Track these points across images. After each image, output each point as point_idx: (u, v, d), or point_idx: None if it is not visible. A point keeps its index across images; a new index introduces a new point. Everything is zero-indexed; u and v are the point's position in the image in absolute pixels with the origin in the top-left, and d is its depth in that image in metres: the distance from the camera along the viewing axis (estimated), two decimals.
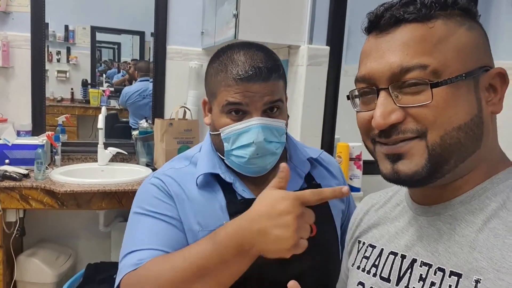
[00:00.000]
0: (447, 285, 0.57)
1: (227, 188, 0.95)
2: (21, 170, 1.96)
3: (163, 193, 0.93)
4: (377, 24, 0.60)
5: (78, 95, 2.66)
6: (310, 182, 1.03)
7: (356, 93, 0.63)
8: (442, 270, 0.58)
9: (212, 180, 0.96)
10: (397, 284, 0.63)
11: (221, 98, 0.91)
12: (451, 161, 0.58)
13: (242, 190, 0.95)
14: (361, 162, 1.77)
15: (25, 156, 2.04)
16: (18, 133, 2.21)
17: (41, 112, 2.32)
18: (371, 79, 0.60)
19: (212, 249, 0.72)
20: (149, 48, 2.56)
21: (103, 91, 2.70)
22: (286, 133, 1.03)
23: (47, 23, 2.32)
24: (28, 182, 1.90)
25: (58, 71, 2.58)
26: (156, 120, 2.24)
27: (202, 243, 0.75)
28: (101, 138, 2.20)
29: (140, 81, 2.66)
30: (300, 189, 0.99)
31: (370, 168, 1.74)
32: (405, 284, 0.62)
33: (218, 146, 0.97)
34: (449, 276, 0.57)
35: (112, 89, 2.72)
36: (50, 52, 2.50)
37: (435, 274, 0.59)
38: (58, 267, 2.20)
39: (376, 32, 0.61)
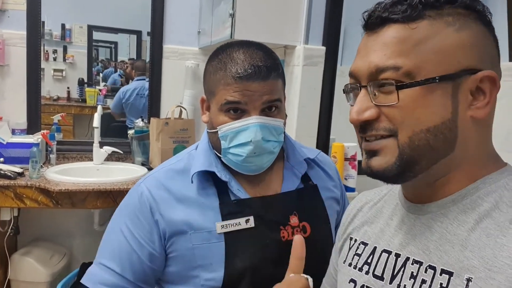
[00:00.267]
0: (438, 283, 0.57)
1: (222, 187, 0.95)
2: (16, 168, 1.95)
3: (144, 210, 0.94)
4: (367, 23, 0.62)
5: (75, 94, 2.65)
6: (306, 182, 1.03)
7: (349, 87, 0.65)
8: (433, 268, 0.58)
9: (207, 179, 0.95)
10: (390, 283, 0.63)
11: (219, 96, 0.91)
12: (422, 162, 0.59)
13: (237, 190, 0.95)
14: (356, 162, 1.78)
15: (20, 154, 2.03)
16: (13, 132, 2.20)
17: (37, 110, 2.31)
18: (356, 76, 0.62)
19: None
20: (146, 47, 2.56)
21: (100, 90, 2.69)
22: (284, 132, 1.03)
23: (43, 21, 2.31)
24: (22, 181, 1.89)
25: (55, 70, 2.57)
26: (152, 119, 2.23)
27: None
28: (96, 137, 2.20)
29: (137, 80, 2.66)
30: (297, 189, 1.00)
31: None
32: (398, 282, 0.62)
33: (215, 144, 0.96)
34: (440, 274, 0.57)
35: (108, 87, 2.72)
36: (47, 51, 2.50)
37: (426, 272, 0.59)
38: (52, 266, 2.19)
39: (367, 31, 0.62)
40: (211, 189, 0.95)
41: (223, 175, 0.95)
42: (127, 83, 2.70)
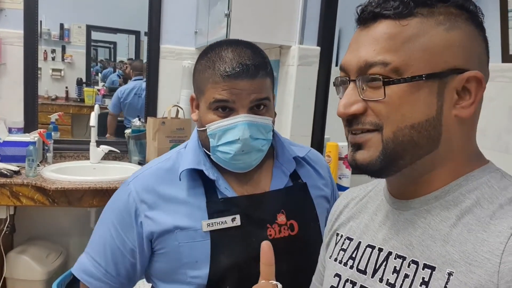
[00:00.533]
0: (420, 277, 0.57)
1: (210, 186, 0.95)
2: (12, 167, 1.96)
3: (130, 211, 0.95)
4: (360, 18, 0.62)
5: (73, 94, 2.67)
6: (295, 180, 1.03)
7: (339, 80, 0.66)
8: (415, 262, 0.59)
9: (195, 177, 0.96)
10: (372, 276, 0.64)
11: (208, 95, 0.91)
12: (406, 157, 0.60)
13: (225, 188, 0.95)
14: None
15: (16, 153, 2.04)
16: (10, 130, 2.21)
17: (33, 109, 2.32)
18: (346, 70, 0.62)
19: None
20: (144, 47, 2.57)
21: (98, 90, 2.70)
22: (274, 131, 1.04)
23: (41, 21, 2.32)
24: (19, 179, 1.90)
25: (53, 70, 2.59)
26: (149, 118, 2.24)
27: None
28: (93, 136, 2.21)
29: (135, 80, 2.67)
30: (285, 188, 1.00)
31: None
32: (380, 276, 0.63)
33: (204, 142, 0.97)
34: (423, 269, 0.58)
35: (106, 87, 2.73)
36: (45, 51, 2.51)
37: (408, 267, 0.59)
38: (48, 264, 2.20)
39: (359, 26, 0.63)
40: (199, 187, 0.95)
41: (210, 174, 0.95)
42: (126, 83, 2.71)
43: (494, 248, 0.52)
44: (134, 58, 2.73)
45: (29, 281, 2.13)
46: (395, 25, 0.58)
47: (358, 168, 0.63)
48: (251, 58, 0.90)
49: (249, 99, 0.90)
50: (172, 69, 2.44)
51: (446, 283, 0.54)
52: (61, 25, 2.57)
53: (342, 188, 1.75)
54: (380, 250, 0.65)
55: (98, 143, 2.24)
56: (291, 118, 1.81)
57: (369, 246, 0.68)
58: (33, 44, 2.26)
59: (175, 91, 2.41)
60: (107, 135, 2.68)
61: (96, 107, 2.29)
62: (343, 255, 0.72)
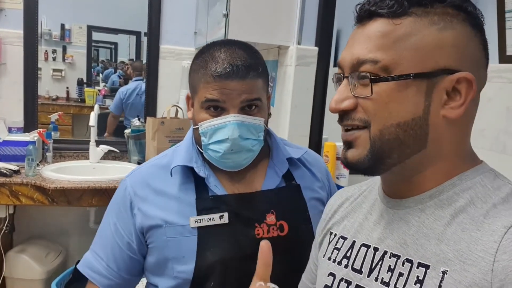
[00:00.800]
0: (415, 275, 0.58)
1: (201, 183, 0.97)
2: (12, 166, 1.97)
3: (126, 204, 0.99)
4: (357, 16, 0.63)
5: (74, 94, 2.67)
6: (289, 181, 1.03)
7: (336, 77, 0.67)
8: (410, 261, 0.59)
9: (187, 174, 0.98)
10: (368, 276, 0.64)
11: (201, 94, 0.93)
12: (393, 156, 0.60)
13: (215, 186, 0.97)
14: None
15: (16, 152, 2.05)
16: (10, 130, 2.22)
17: (33, 109, 2.33)
18: (342, 67, 0.64)
19: None
20: (145, 48, 2.58)
21: (99, 90, 2.71)
22: (270, 131, 1.04)
23: (42, 21, 2.33)
24: (18, 178, 1.91)
25: (54, 70, 2.59)
26: (148, 118, 2.25)
27: None
28: (93, 136, 2.21)
29: (135, 80, 2.68)
30: (277, 188, 1.01)
31: None
32: (375, 275, 0.63)
33: (197, 140, 0.98)
34: (417, 267, 0.58)
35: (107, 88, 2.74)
36: (46, 51, 2.52)
37: (403, 265, 0.60)
38: (48, 263, 2.21)
39: (357, 24, 0.64)
40: (190, 184, 0.97)
41: (201, 171, 0.97)
42: (126, 84, 2.72)
43: (488, 246, 0.52)
44: (135, 59, 2.73)
45: (28, 280, 2.14)
46: (389, 23, 0.59)
47: (348, 166, 0.64)
48: (242, 59, 0.91)
49: (240, 99, 0.91)
50: (171, 69, 2.45)
51: (441, 281, 0.55)
52: (62, 26, 2.58)
53: (340, 188, 1.74)
54: (376, 249, 0.65)
55: (98, 143, 2.25)
56: (289, 118, 1.81)
57: (363, 245, 0.68)
58: (33, 44, 2.27)
59: (174, 91, 2.42)
60: (105, 134, 2.68)
61: (96, 107, 2.30)
62: (337, 254, 0.72)
